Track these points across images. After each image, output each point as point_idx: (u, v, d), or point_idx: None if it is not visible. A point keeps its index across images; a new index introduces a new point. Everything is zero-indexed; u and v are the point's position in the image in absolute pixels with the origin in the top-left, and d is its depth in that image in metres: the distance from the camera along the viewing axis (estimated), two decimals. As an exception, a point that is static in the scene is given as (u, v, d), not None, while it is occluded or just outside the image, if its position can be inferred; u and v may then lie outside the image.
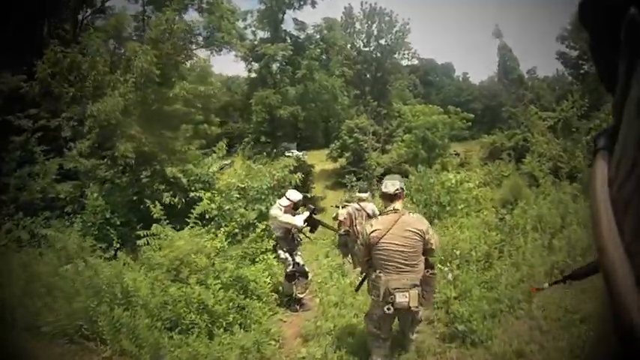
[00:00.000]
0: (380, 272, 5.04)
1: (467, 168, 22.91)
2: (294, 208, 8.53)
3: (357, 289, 6.28)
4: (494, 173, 19.33)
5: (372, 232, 5.04)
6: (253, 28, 39.42)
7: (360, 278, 6.02)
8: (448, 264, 8.44)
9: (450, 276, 7.77)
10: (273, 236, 8.78)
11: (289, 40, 38.11)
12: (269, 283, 8.56)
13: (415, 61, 59.47)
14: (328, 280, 9.68)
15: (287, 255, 8.39)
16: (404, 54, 49.80)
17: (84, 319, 6.47)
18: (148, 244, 8.83)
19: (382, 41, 47.36)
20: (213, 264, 7.75)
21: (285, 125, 36.06)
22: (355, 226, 9.95)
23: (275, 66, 38.61)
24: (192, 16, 30.73)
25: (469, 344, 6.14)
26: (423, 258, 5.19)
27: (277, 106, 34.82)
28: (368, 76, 47.24)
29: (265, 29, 38.97)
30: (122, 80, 13.87)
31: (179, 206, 10.15)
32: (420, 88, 62.96)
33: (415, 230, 5.02)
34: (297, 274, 8.39)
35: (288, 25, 40.16)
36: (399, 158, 33.18)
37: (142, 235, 8.91)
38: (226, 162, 16.51)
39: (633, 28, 0.57)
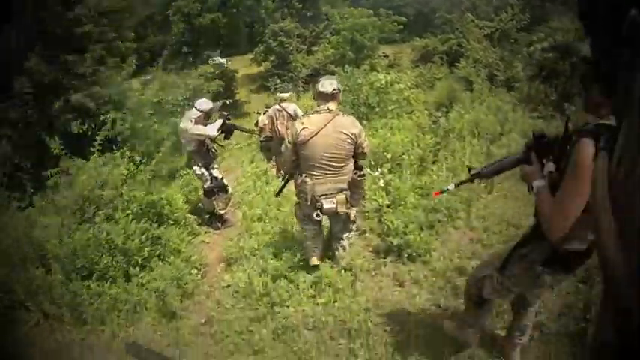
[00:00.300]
0: (306, 177, 5.00)
1: (397, 69, 22.20)
2: (206, 118, 7.80)
3: (277, 195, 6.26)
4: (427, 76, 18.83)
5: (302, 129, 4.89)
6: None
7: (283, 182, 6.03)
8: (379, 168, 7.96)
9: (381, 182, 7.30)
10: (186, 151, 8.16)
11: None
12: (186, 203, 8.08)
13: None
14: (252, 189, 9.51)
15: (203, 170, 7.86)
16: None
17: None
18: (56, 185, 7.91)
19: None
20: (122, 194, 7.08)
21: (207, 33, 34.20)
22: (277, 127, 9.95)
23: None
24: None
25: (405, 258, 5.77)
26: (352, 161, 5.13)
27: (197, 14, 33.10)
28: None
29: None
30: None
31: (89, 133, 9.14)
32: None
33: (348, 133, 4.91)
34: (216, 189, 7.98)
35: None
36: (325, 59, 32.08)
37: (49, 174, 7.93)
38: (148, 77, 15.38)
39: (634, 29, 0.61)
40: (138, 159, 8.10)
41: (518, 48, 18.92)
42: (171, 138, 9.80)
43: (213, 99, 12.05)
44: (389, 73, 14.56)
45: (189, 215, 7.92)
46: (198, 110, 7.60)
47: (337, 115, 4.97)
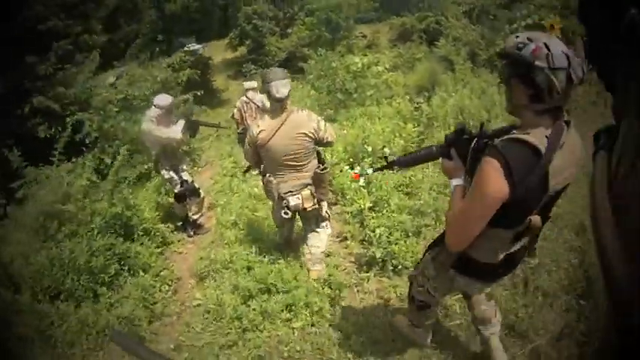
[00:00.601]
0: (270, 176, 5.05)
1: (375, 50, 21.70)
2: (167, 116, 7.06)
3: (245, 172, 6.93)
4: (406, 56, 18.18)
5: (259, 133, 4.85)
6: None
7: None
8: (358, 165, 7.81)
9: (362, 180, 6.76)
10: (152, 155, 7.39)
11: None
12: (157, 209, 7.85)
13: None
14: (227, 188, 9.20)
15: (172, 174, 7.33)
16: None
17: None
18: (25, 198, 7.57)
19: None
20: (84, 208, 6.65)
21: (179, 19, 33.37)
22: (245, 120, 9.79)
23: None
24: None
25: (390, 272, 5.40)
26: (314, 155, 5.13)
27: (166, 0, 32.18)
28: None
29: None
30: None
31: (57, 137, 8.62)
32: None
33: (305, 131, 4.87)
34: (187, 192, 7.46)
35: None
36: (299, 41, 31.30)
37: (15, 187, 7.64)
38: (122, 69, 14.72)
39: (633, 29, 0.62)
40: (105, 164, 8.06)
41: (499, 25, 18.60)
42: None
43: (187, 89, 12.14)
44: (365, 55, 14.10)
45: (159, 225, 7.53)
46: (157, 107, 6.90)
47: (292, 112, 4.90)
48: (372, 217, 6.21)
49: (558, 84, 2.12)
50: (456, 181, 2.65)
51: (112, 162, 7.99)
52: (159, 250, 6.99)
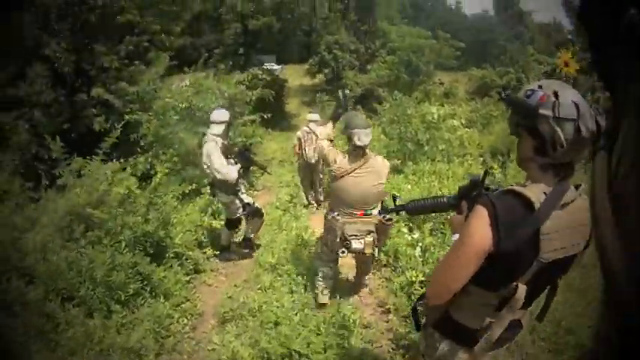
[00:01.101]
0: (337, 214, 5.06)
1: (451, 101, 20.99)
2: (227, 131, 6.95)
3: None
4: (482, 111, 17.39)
5: (336, 166, 4.96)
6: None
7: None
8: (418, 229, 7.17)
9: (418, 249, 6.42)
10: (209, 178, 7.04)
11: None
12: (194, 233, 7.37)
13: None
14: (275, 223, 8.70)
15: (232, 197, 6.93)
16: None
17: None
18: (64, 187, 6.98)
19: None
20: (116, 217, 6.10)
21: (261, 37, 33.28)
22: (304, 149, 9.87)
23: (251, -28, 35.87)
24: None
25: None
26: (380, 202, 4.98)
27: (250, 16, 31.99)
28: None
29: None
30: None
31: (111, 132, 8.24)
32: (410, 12, 60.20)
33: (380, 177, 5.00)
34: (249, 214, 7.16)
35: None
36: (378, 79, 30.80)
37: (58, 173, 7.07)
38: (190, 76, 14.32)
39: (633, 29, 0.61)
40: (155, 171, 7.44)
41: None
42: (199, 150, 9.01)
43: (256, 109, 12.04)
44: (442, 106, 13.34)
45: (194, 250, 7.06)
46: (215, 123, 6.73)
47: (370, 158, 5.02)
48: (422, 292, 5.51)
49: (563, 136, 1.93)
50: (457, 236, 2.39)
51: (158, 171, 7.46)
52: (187, 278, 6.51)
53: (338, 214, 5.07)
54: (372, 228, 5.11)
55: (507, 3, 46.44)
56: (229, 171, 6.55)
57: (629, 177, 0.63)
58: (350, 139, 4.93)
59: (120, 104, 11.41)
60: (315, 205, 10.53)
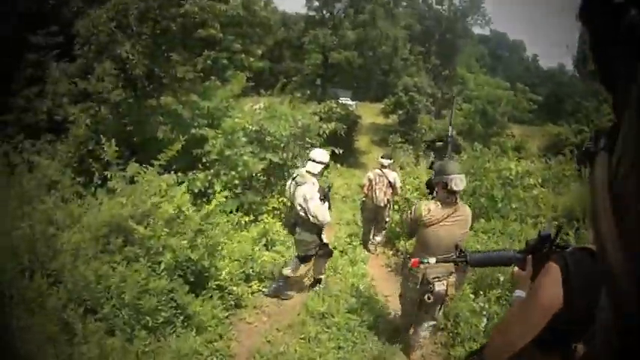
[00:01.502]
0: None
1: (522, 155, 19.99)
2: (322, 170, 6.86)
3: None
4: (554, 170, 16.37)
5: (427, 215, 4.83)
6: (319, -36, 35.88)
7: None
8: (483, 296, 6.49)
9: (483, 322, 5.90)
10: (292, 213, 6.88)
11: (355, -20, 34.78)
12: (243, 266, 6.79)
13: (487, 32, 58.53)
14: (331, 265, 7.90)
15: (314, 237, 6.64)
16: (477, 19, 46.93)
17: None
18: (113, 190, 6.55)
19: (457, 1, 44.87)
20: (160, 237, 5.49)
21: (340, 71, 33.47)
22: (374, 191, 9.67)
23: (337, 6, 35.48)
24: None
25: None
26: None
27: (332, 49, 32.11)
28: (436, 36, 44.31)
29: (332, -33, 35.44)
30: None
31: (181, 140, 7.86)
32: (488, 61, 59.65)
33: (468, 224, 5.01)
34: (323, 254, 6.90)
35: None
36: (453, 127, 29.89)
37: (109, 176, 6.64)
38: (265, 100, 13.96)
39: (633, 29, 0.59)
40: (214, 191, 7.41)
41: None
42: (261, 175, 9.16)
43: (327, 142, 11.11)
44: (518, 161, 12.46)
45: (239, 284, 6.45)
46: (315, 162, 6.51)
47: (460, 205, 4.95)
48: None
49: None
50: (519, 293, 2.30)
51: (216, 193, 7.15)
52: (226, 313, 5.87)
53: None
54: (453, 269, 4.95)
55: (587, 57, 45.10)
56: (326, 215, 6.42)
57: (629, 177, 0.60)
58: (446, 185, 4.77)
59: (188, 116, 10.98)
60: (374, 247, 10.19)
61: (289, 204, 7.49)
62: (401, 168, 15.15)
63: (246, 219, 8.05)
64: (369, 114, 34.80)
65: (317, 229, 6.56)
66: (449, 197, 4.83)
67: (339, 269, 7.99)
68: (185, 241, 5.57)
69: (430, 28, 44.10)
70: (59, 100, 12.79)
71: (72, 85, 12.81)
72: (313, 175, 6.44)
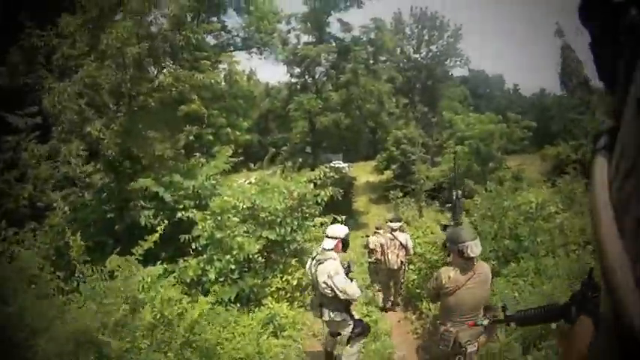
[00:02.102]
0: (450, 326, 4.92)
1: (519, 185, 19.41)
2: (343, 248, 6.37)
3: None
4: (565, 191, 15.38)
5: (448, 283, 4.80)
6: (297, 32, 35.60)
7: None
8: (536, 350, 5.90)
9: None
10: (316, 295, 6.42)
11: (334, 43, 34.84)
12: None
13: (466, 72, 59.05)
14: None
15: (344, 314, 6.24)
16: (456, 61, 47.81)
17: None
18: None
19: (433, 47, 45.78)
20: (140, 349, 4.48)
21: (328, 135, 33.19)
22: (387, 255, 9.76)
23: (318, 70, 35.33)
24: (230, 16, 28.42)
25: None
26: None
27: (318, 113, 31.65)
28: (417, 85, 44.94)
29: (309, 33, 35.37)
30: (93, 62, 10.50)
31: (162, 226, 6.97)
32: (470, 100, 59.89)
33: (489, 283, 5.02)
34: (359, 332, 6.37)
35: (334, 29, 37.36)
36: (450, 172, 29.48)
37: (90, 271, 5.61)
38: (255, 173, 13.49)
39: (633, 29, 0.59)
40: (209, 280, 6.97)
41: None
42: (259, 256, 8.35)
43: (325, 209, 10.56)
44: (531, 190, 11.54)
45: None
46: (331, 238, 6.18)
47: (478, 266, 4.92)
48: None
49: None
50: None
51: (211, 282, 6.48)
52: None
53: (450, 325, 4.91)
54: (482, 329, 4.89)
55: (572, 71, 44.98)
56: (355, 289, 6.11)
57: (629, 177, 0.57)
58: (461, 252, 4.74)
59: (171, 199, 10.11)
60: (395, 306, 10.25)
61: (311, 286, 6.91)
62: (407, 223, 14.80)
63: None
64: (363, 173, 35.14)
65: (345, 306, 6.20)
66: (466, 263, 4.82)
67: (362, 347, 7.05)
68: (171, 354, 4.46)
69: (411, 78, 44.56)
70: (41, 185, 12.10)
71: (55, 170, 12.16)
72: (332, 251, 6.07)
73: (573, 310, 2.14)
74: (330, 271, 5.92)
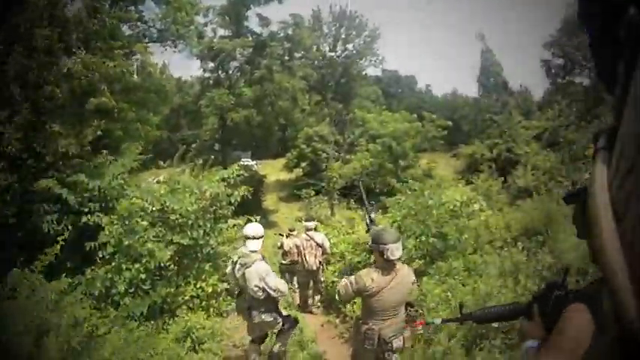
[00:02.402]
0: (373, 324, 4.98)
1: (437, 182, 19.53)
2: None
3: None
4: (482, 188, 15.56)
5: (371, 285, 4.81)
6: (214, 25, 34.98)
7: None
8: (478, 349, 5.87)
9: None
10: (243, 298, 6.25)
11: (251, 38, 34.17)
12: None
13: (379, 72, 60.61)
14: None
15: (274, 314, 6.28)
16: (371, 61, 47.94)
17: None
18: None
19: (350, 46, 45.79)
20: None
21: (239, 132, 32.61)
22: (304, 256, 9.75)
23: (232, 65, 34.77)
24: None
25: None
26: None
27: (230, 109, 30.94)
28: (331, 83, 44.76)
29: (227, 27, 34.79)
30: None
31: (65, 235, 6.56)
32: (382, 100, 60.50)
33: (409, 284, 5.09)
34: (288, 326, 6.50)
35: (252, 23, 37.53)
36: (362, 170, 29.49)
37: None
38: (165, 172, 12.84)
39: (632, 29, 0.59)
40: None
41: (579, 150, 17.85)
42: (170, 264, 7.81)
43: (238, 209, 9.99)
44: (469, 184, 11.51)
45: None
46: (253, 239, 6.09)
47: (400, 268, 4.94)
48: None
49: None
50: (530, 343, 1.95)
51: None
52: None
53: (373, 324, 4.95)
54: (404, 323, 5.11)
55: (490, 73, 46.52)
56: (285, 285, 6.27)
57: (628, 177, 0.58)
58: (382, 254, 4.78)
59: (75, 202, 9.25)
60: (316, 308, 10.14)
61: (236, 290, 6.62)
62: (320, 222, 14.50)
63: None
64: (272, 171, 34.69)
65: (275, 305, 6.25)
66: (387, 264, 4.85)
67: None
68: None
69: (326, 76, 44.42)
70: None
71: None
72: (256, 252, 6.00)
73: (535, 308, 2.15)
74: (262, 273, 5.85)
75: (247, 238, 6.11)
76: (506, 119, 30.16)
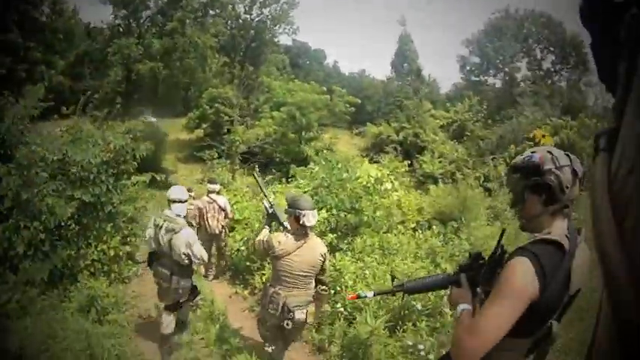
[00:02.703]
0: (279, 289, 5.10)
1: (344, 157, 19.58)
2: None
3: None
4: (390, 168, 15.57)
5: (279, 248, 4.97)
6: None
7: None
8: (402, 332, 6.23)
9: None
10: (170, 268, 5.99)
11: (166, -13, 32.32)
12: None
13: (289, 42, 60.10)
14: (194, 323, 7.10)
15: (183, 282, 6.13)
16: (285, 29, 46.61)
17: None
18: None
19: (266, 10, 44.27)
20: None
21: (143, 86, 31.07)
22: (207, 219, 9.65)
23: (145, 15, 32.97)
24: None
25: None
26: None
27: (137, 60, 29.50)
28: (242, 45, 43.48)
29: (145, -26, 32.72)
30: None
31: None
32: (289, 69, 60.00)
33: (320, 254, 5.15)
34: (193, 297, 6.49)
35: None
36: (266, 137, 29.35)
37: None
38: (68, 122, 11.44)
39: (633, 29, 0.61)
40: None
41: (487, 144, 17.79)
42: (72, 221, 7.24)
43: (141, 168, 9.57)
44: (379, 168, 11.45)
45: None
46: (178, 202, 6.02)
47: (310, 238, 5.09)
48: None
49: (565, 179, 2.24)
50: (464, 306, 2.37)
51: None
52: None
53: (280, 289, 5.08)
54: (311, 298, 5.24)
55: (406, 59, 47.26)
56: (206, 254, 6.22)
57: (629, 178, 0.62)
58: (298, 219, 4.93)
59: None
60: (214, 274, 10.11)
61: (155, 255, 6.23)
62: (222, 186, 14.23)
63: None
64: (172, 130, 33.41)
65: (192, 271, 6.22)
66: (300, 230, 5.00)
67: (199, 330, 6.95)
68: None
69: (237, 37, 43.24)
70: None
71: None
72: (182, 217, 6.00)
73: (463, 277, 2.54)
74: (189, 239, 5.78)
75: (173, 201, 5.98)
76: (417, 105, 30.70)
